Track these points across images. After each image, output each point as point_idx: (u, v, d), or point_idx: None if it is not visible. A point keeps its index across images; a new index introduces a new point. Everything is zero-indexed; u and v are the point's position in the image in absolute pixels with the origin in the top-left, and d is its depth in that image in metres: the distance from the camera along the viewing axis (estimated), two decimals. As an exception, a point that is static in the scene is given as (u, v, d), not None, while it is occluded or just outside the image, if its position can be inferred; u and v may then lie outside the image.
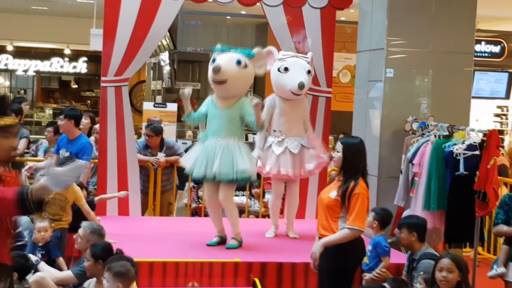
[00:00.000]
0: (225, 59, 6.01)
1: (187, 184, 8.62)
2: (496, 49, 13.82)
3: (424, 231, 5.58)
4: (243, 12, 13.48)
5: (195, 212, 8.52)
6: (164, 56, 16.16)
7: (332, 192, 4.82)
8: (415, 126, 7.03)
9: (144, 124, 9.62)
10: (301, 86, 6.36)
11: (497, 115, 17.59)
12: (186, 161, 6.24)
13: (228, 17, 14.49)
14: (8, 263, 3.94)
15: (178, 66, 16.46)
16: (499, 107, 17.52)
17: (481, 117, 15.43)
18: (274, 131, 6.54)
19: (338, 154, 4.84)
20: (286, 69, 6.46)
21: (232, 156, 5.91)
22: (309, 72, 6.52)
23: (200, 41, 13.82)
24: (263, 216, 8.31)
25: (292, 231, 6.74)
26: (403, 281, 5.29)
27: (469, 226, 6.15)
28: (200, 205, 8.34)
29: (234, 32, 14.82)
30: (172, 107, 11.64)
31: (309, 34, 7.72)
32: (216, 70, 5.91)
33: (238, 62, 5.99)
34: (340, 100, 12.00)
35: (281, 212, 7.05)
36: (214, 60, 6.05)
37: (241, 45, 6.27)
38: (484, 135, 6.08)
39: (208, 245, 6.18)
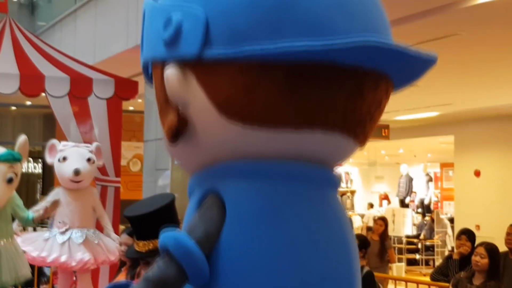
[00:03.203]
0: None
1: None
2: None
3: None
4: (28, 103, 13.19)
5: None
6: None
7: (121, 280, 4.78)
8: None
9: None
10: (76, 172, 6.35)
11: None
12: None
13: (14, 108, 14.10)
14: None
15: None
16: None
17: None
18: (59, 222, 6.42)
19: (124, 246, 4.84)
20: (64, 158, 6.46)
21: (10, 259, 5.74)
22: (89, 160, 6.53)
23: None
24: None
25: None
26: None
27: None
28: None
29: (20, 123, 14.41)
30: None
31: (96, 124, 7.65)
32: None
33: (10, 180, 5.79)
34: (132, 188, 11.98)
35: None
36: None
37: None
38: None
39: None
